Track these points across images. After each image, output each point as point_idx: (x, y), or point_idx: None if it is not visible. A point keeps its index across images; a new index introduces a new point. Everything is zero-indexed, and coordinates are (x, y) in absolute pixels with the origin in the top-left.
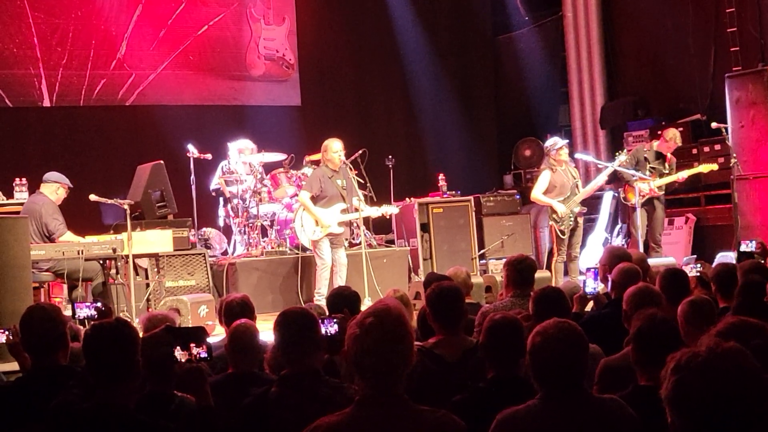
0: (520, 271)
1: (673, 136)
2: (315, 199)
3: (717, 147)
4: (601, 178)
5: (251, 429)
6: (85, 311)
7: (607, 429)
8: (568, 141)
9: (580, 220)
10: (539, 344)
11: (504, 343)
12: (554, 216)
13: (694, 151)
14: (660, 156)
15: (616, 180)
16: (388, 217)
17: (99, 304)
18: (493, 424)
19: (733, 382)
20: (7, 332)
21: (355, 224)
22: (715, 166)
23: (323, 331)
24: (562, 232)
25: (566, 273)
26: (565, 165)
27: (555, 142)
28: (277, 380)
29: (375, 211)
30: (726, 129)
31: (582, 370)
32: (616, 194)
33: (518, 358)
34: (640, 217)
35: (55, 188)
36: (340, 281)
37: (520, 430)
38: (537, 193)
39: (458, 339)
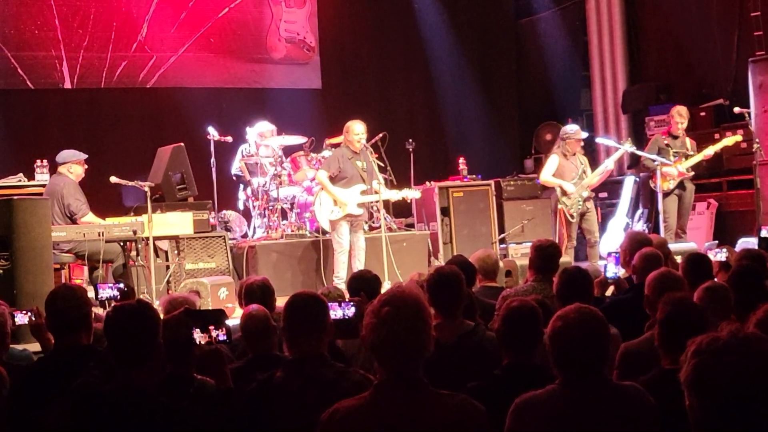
0: (543, 256)
1: (677, 111)
2: (334, 180)
3: (740, 132)
4: (609, 163)
5: (256, 414)
6: (108, 292)
7: (625, 415)
8: (587, 135)
9: (590, 204)
10: (560, 329)
11: (520, 330)
12: (564, 200)
13: (717, 135)
14: (677, 138)
15: (638, 165)
16: (408, 201)
17: (122, 285)
18: (511, 407)
19: (753, 367)
20: (29, 313)
21: (375, 208)
22: (739, 137)
23: (341, 314)
24: (572, 216)
25: (586, 258)
26: (576, 154)
27: (576, 132)
28: (282, 365)
29: (395, 195)
30: (749, 114)
31: (602, 356)
32: (638, 179)
33: (534, 345)
34: (670, 204)
35: (68, 167)
36: (359, 264)
37: (538, 414)
38: (546, 175)
39: (455, 322)
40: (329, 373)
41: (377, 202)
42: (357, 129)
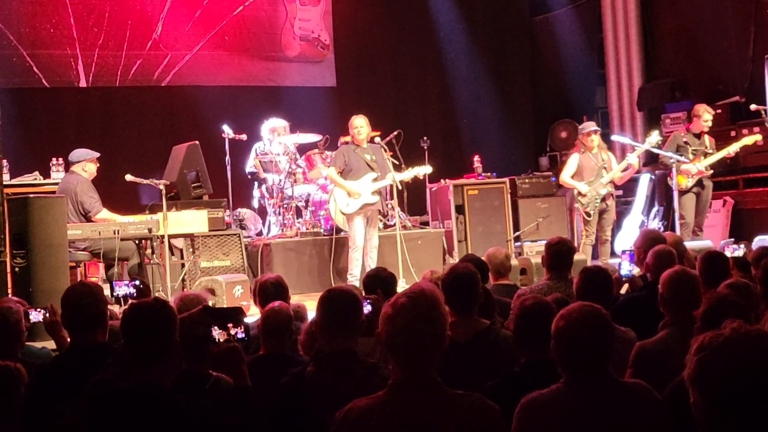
0: (552, 254)
1: (705, 109)
2: (342, 174)
3: (756, 129)
4: (631, 158)
5: (287, 407)
6: (123, 289)
7: (631, 413)
8: (599, 130)
9: (610, 202)
10: (562, 328)
11: (535, 327)
12: (580, 198)
13: (733, 133)
14: (698, 136)
15: (654, 163)
16: (421, 177)
17: (137, 283)
18: (517, 408)
19: (754, 362)
20: (43, 311)
21: (390, 205)
22: (759, 137)
23: None
24: (588, 214)
25: (596, 256)
26: (596, 149)
27: (585, 127)
28: (314, 359)
29: (407, 174)
30: (765, 111)
31: (606, 354)
32: (653, 177)
33: (549, 341)
34: (688, 201)
35: (82, 166)
36: (371, 263)
37: (544, 413)
38: (565, 176)
39: (471, 321)
40: (360, 368)
41: (392, 200)
42: (356, 122)
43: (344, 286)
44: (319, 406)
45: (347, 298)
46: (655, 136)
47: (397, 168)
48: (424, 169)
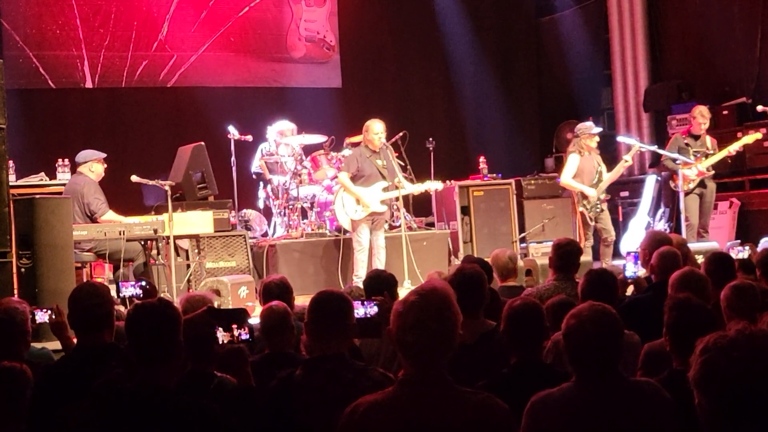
0: (561, 255)
1: (699, 111)
2: (353, 179)
3: (762, 131)
4: (626, 157)
5: (276, 411)
6: (130, 290)
7: (641, 412)
8: (601, 129)
9: (604, 206)
10: (573, 327)
11: (524, 328)
12: (584, 202)
13: (739, 134)
14: (698, 137)
15: (660, 165)
16: (431, 192)
17: (144, 283)
18: (527, 406)
19: (760, 364)
20: (49, 311)
21: (395, 206)
22: (759, 135)
23: (363, 312)
24: (591, 218)
25: (596, 258)
26: (591, 152)
27: (589, 127)
28: (302, 363)
29: (417, 188)
30: None
31: (617, 353)
32: (659, 178)
33: (539, 342)
34: (692, 203)
35: (89, 166)
36: (379, 264)
37: (555, 412)
38: (567, 178)
39: (477, 322)
40: (349, 372)
41: (398, 200)
42: (376, 128)
43: (333, 290)
44: (307, 410)
45: (337, 301)
46: (630, 154)
47: (403, 169)
48: (435, 185)
